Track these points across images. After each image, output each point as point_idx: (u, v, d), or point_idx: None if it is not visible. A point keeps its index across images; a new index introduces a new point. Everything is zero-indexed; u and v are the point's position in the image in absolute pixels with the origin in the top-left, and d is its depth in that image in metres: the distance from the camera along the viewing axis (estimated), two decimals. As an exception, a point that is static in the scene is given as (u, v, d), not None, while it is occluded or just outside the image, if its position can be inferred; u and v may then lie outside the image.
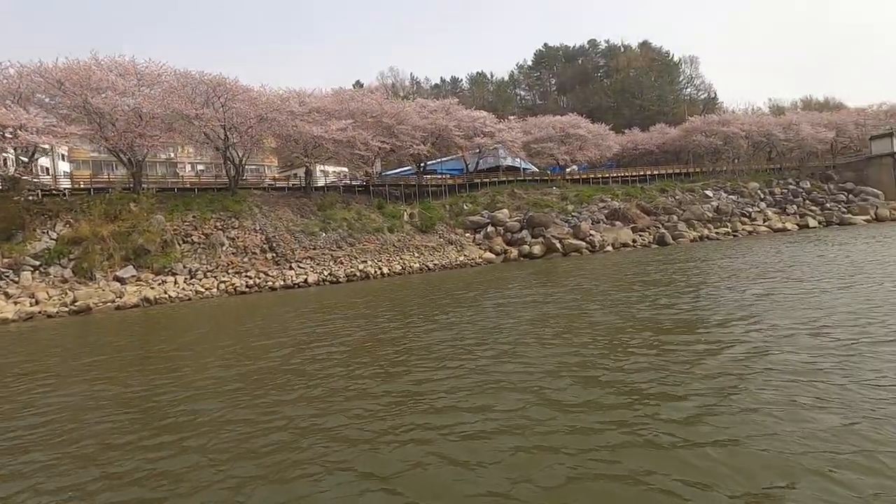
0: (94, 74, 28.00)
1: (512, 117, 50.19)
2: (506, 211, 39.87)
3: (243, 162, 35.79)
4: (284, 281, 26.62)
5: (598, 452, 4.60)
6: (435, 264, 31.66)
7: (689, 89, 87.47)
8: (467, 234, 37.70)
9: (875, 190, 50.07)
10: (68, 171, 39.93)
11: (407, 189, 43.73)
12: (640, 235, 38.88)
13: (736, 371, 6.50)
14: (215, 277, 26.20)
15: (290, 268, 27.89)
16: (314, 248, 30.02)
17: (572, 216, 40.24)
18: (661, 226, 40.41)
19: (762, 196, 48.72)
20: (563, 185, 46.87)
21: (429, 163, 49.73)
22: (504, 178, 47.74)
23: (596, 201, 43.57)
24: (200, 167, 45.66)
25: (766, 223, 43.34)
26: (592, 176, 52.00)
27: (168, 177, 41.65)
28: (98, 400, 7.75)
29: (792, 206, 47.41)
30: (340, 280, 27.64)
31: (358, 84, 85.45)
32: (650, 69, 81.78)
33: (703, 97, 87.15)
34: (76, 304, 21.54)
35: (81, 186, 32.41)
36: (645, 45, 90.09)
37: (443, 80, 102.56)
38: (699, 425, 5.00)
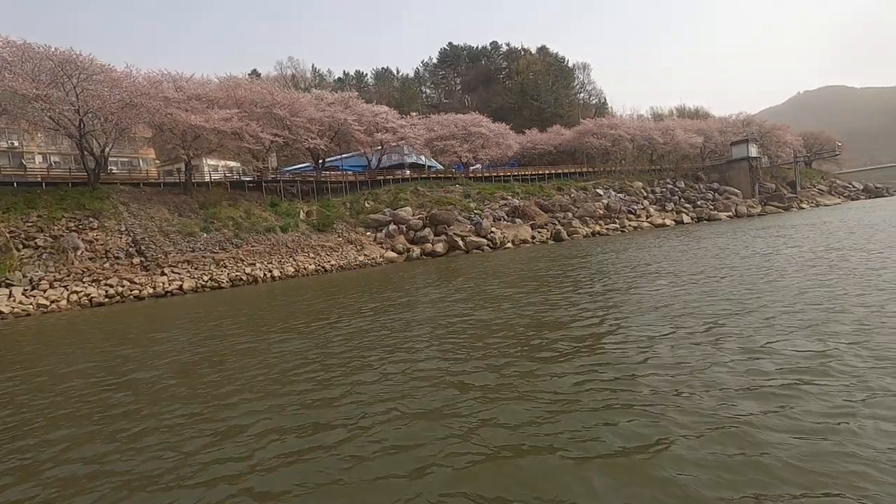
0: None
1: (414, 114, 49.53)
2: (409, 209, 39.11)
3: (106, 153, 31.23)
4: (154, 288, 23.45)
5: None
6: (332, 265, 29.98)
7: (582, 94, 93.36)
8: (368, 233, 36.37)
9: (735, 189, 56.85)
10: None
11: (304, 186, 41.27)
12: (539, 232, 40.20)
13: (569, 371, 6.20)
14: (65, 287, 22.34)
15: (163, 273, 24.67)
16: (193, 251, 26.90)
17: (475, 214, 40.55)
18: (557, 222, 42.16)
19: (645, 194, 53.04)
20: (466, 183, 47.20)
21: (329, 159, 47.51)
22: (408, 176, 47.03)
23: (497, 199, 44.41)
24: (55, 158, 39.19)
25: (648, 219, 47.12)
26: (495, 174, 53.14)
27: (12, 169, 35.17)
28: None
29: (670, 204, 52.18)
30: (223, 285, 25.01)
31: (255, 74, 79.71)
32: (548, 73, 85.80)
33: (594, 102, 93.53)
34: None
35: None
36: (543, 50, 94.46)
37: (346, 74, 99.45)
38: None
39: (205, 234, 28.48)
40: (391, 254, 34.01)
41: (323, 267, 29.54)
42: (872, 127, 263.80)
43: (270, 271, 27.38)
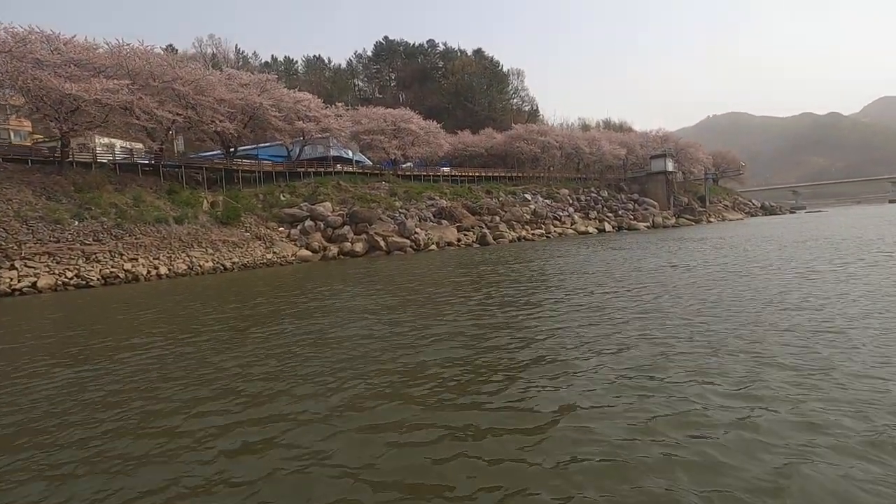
0: None
1: (340, 104, 46.75)
2: (328, 204, 36.48)
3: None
4: (-2, 285, 19.37)
5: None
6: (234, 263, 26.85)
7: (515, 99, 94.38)
8: (282, 229, 33.38)
9: (652, 201, 59.44)
10: None
11: (212, 173, 37.29)
12: (465, 235, 39.13)
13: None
14: None
15: (12, 267, 20.51)
16: (57, 242, 22.74)
17: (400, 212, 38.70)
18: (484, 226, 41.34)
19: (571, 202, 53.91)
20: (393, 181, 45.19)
21: (245, 147, 43.55)
22: (332, 170, 44.20)
23: (425, 199, 42.88)
24: None
25: (573, 226, 47.73)
26: (424, 173, 51.57)
27: None
28: None
29: (593, 212, 53.38)
30: (93, 283, 21.26)
31: (171, 48, 72.35)
32: (483, 76, 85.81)
33: (526, 108, 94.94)
34: None
35: None
36: (479, 52, 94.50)
37: (274, 59, 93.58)
38: None
39: (76, 222, 24.27)
40: (305, 252, 31.34)
41: (223, 265, 26.35)
42: (767, 151, 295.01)
43: (157, 268, 23.85)
